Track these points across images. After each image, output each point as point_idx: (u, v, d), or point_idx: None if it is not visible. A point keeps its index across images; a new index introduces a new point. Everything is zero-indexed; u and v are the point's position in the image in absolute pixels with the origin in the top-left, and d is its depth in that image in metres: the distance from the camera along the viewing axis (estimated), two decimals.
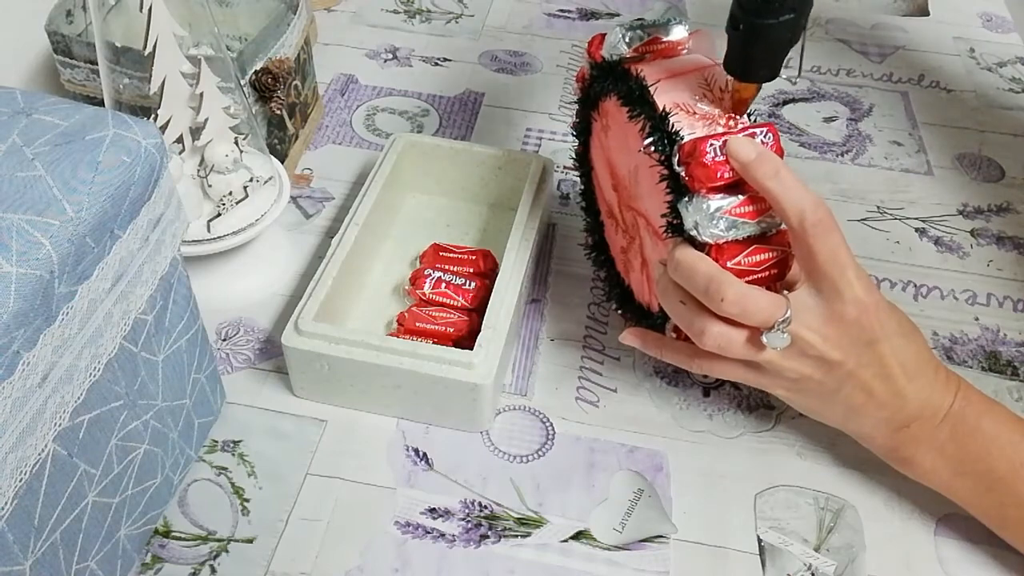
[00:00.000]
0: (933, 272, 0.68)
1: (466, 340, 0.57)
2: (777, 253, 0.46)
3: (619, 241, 0.59)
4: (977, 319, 0.65)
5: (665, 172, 0.46)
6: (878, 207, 0.73)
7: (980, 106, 0.85)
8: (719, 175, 0.44)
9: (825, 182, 0.75)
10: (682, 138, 0.46)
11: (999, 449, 0.48)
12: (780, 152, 0.45)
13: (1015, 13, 0.98)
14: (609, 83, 0.51)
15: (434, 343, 0.55)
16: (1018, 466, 0.47)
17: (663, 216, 0.47)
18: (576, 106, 0.59)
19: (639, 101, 0.48)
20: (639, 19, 0.52)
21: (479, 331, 0.54)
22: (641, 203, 0.53)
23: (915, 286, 0.67)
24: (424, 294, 0.60)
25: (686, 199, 0.45)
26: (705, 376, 0.59)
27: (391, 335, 0.59)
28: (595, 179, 0.61)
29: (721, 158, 0.44)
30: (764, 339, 0.45)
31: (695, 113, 0.47)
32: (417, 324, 0.58)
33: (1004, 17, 0.97)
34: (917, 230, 0.72)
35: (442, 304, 0.60)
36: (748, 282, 0.45)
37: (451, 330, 0.58)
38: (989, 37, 0.94)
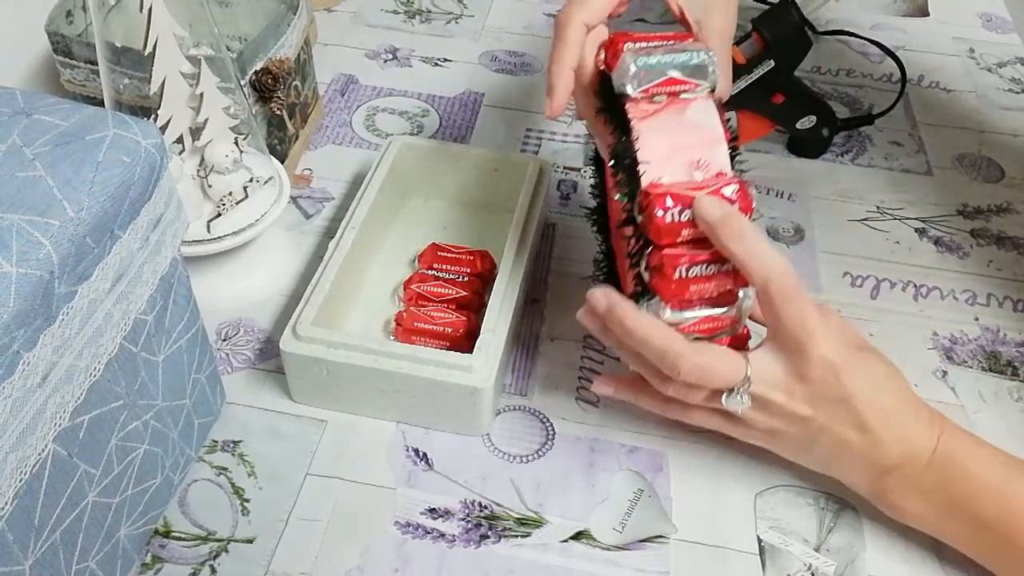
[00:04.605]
0: (933, 272, 0.68)
1: (465, 340, 0.57)
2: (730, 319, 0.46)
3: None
4: (977, 319, 0.65)
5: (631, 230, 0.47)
6: (878, 207, 0.73)
7: (980, 106, 0.85)
8: (679, 236, 0.44)
9: (825, 182, 0.75)
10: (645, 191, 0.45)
11: (986, 492, 0.47)
12: (749, 208, 0.44)
13: (1015, 13, 0.97)
14: (605, 108, 0.50)
15: (432, 343, 0.54)
16: (1006, 508, 0.46)
17: (629, 270, 0.47)
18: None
19: (621, 150, 0.47)
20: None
21: (478, 330, 0.54)
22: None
23: (915, 286, 0.67)
24: (418, 287, 0.60)
25: (647, 298, 0.46)
26: None
27: (390, 334, 0.59)
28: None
29: (682, 220, 0.44)
30: (724, 402, 0.46)
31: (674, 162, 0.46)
32: (415, 324, 0.58)
33: (1004, 17, 0.97)
34: (917, 230, 0.72)
35: (436, 299, 0.60)
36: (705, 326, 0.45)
37: (449, 330, 0.58)
38: (989, 37, 0.94)
